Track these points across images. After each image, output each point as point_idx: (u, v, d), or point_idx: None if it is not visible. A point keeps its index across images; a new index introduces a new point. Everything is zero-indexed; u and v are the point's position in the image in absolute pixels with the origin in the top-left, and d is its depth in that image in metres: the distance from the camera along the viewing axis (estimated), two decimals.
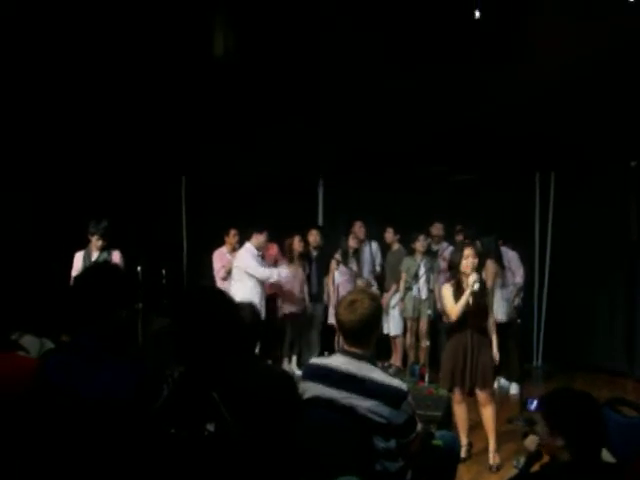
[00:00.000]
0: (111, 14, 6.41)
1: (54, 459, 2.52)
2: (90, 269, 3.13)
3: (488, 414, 5.52)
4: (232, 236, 8.41)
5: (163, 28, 6.74)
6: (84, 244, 7.44)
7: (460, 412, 5.66)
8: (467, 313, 5.42)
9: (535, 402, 3.04)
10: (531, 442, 2.91)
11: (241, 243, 8.13)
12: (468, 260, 5.41)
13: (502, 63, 7.01)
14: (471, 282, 5.32)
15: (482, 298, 5.44)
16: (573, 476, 2.49)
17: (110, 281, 2.80)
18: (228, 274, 8.13)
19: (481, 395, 5.50)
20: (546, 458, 2.76)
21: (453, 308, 5.44)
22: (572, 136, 8.03)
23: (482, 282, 5.47)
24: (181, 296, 3.07)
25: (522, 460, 2.93)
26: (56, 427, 2.53)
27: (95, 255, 7.33)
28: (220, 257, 8.39)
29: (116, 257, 7.38)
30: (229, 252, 8.39)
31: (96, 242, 7.30)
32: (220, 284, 8.12)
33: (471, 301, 5.38)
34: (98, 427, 2.49)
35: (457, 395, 5.62)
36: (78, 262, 7.32)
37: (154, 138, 8.65)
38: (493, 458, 5.51)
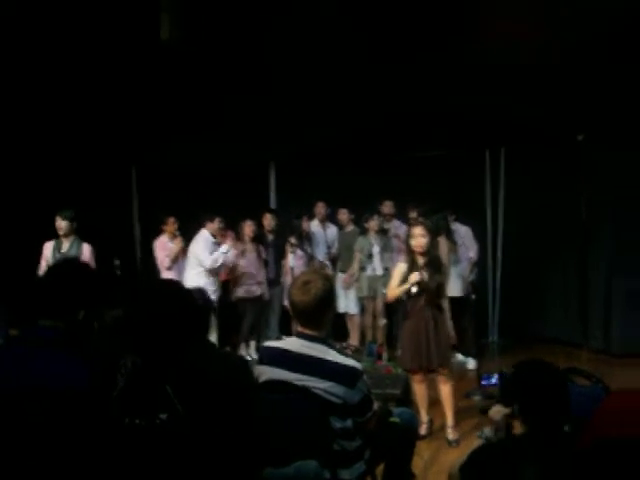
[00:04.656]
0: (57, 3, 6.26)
1: (7, 452, 2.48)
2: (61, 265, 3.06)
3: (446, 391, 5.54)
4: (171, 224, 8.30)
5: (107, 13, 6.60)
6: (37, 236, 7.29)
7: (420, 390, 5.67)
8: (424, 292, 5.42)
9: (493, 377, 3.06)
10: (496, 412, 2.92)
11: (192, 229, 8.08)
12: (417, 239, 5.41)
13: (449, 42, 7.01)
14: (411, 280, 5.35)
15: (436, 275, 5.42)
16: (529, 445, 2.52)
17: (78, 281, 2.76)
18: (173, 263, 8.07)
19: (441, 373, 5.52)
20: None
21: (393, 290, 5.53)
22: (520, 112, 8.10)
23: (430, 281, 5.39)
24: (134, 289, 3.03)
25: (486, 431, 2.94)
26: (8, 420, 2.48)
27: (66, 246, 7.16)
28: (162, 246, 8.27)
29: (86, 251, 7.24)
30: (170, 240, 8.29)
31: (61, 222, 7.10)
32: (165, 274, 8.04)
33: (426, 276, 5.37)
34: (51, 418, 2.45)
35: (417, 374, 5.64)
36: (47, 252, 7.12)
37: (101, 127, 8.52)
38: (452, 433, 5.56)
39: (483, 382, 3.02)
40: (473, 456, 2.66)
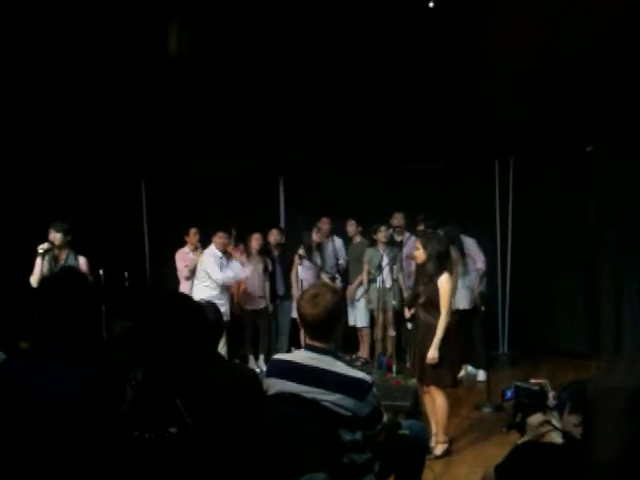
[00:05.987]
0: (66, 13, 6.30)
1: (17, 463, 2.48)
2: (57, 275, 3.07)
3: (436, 404, 5.55)
4: (192, 235, 8.34)
5: (118, 27, 6.65)
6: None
7: (427, 401, 5.69)
8: (416, 305, 5.60)
9: (511, 391, 3.02)
10: (536, 419, 2.90)
11: (202, 242, 8.10)
12: (414, 251, 5.69)
13: (458, 54, 7.03)
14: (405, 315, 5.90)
15: (427, 288, 5.45)
16: (576, 455, 2.50)
17: (78, 290, 2.77)
18: (192, 273, 8.07)
19: (429, 387, 5.57)
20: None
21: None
22: (529, 122, 8.10)
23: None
24: (145, 301, 3.04)
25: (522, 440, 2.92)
26: (19, 432, 2.49)
27: (62, 258, 7.17)
28: (182, 257, 8.30)
29: (83, 264, 7.25)
30: (191, 251, 8.32)
31: (55, 235, 7.07)
32: (184, 284, 8.06)
33: (421, 289, 5.54)
34: (61, 431, 2.46)
35: (422, 385, 5.69)
36: (44, 265, 7.08)
37: (112, 139, 8.57)
38: (436, 447, 5.53)
39: (507, 396, 2.98)
40: (512, 454, 2.64)
